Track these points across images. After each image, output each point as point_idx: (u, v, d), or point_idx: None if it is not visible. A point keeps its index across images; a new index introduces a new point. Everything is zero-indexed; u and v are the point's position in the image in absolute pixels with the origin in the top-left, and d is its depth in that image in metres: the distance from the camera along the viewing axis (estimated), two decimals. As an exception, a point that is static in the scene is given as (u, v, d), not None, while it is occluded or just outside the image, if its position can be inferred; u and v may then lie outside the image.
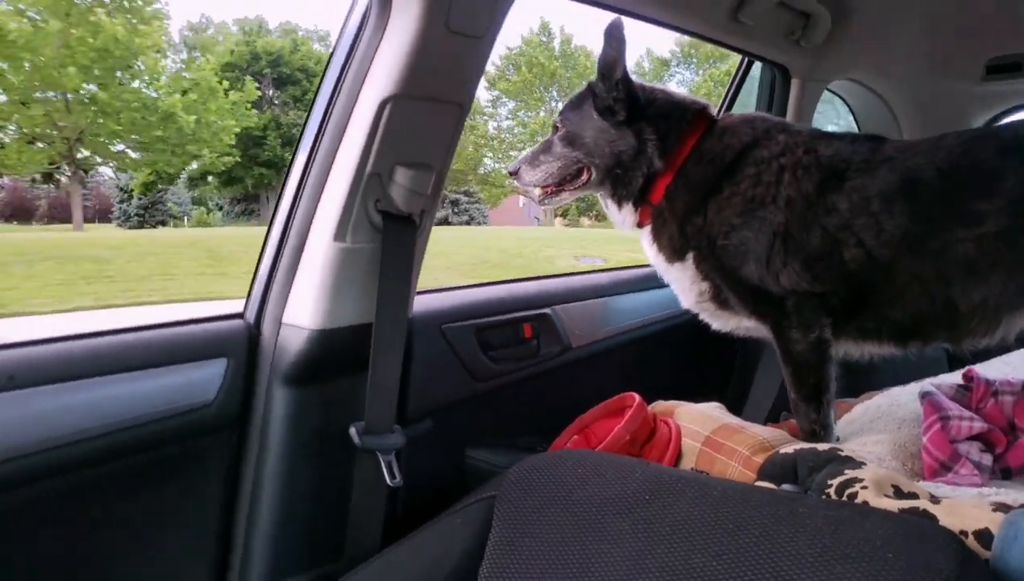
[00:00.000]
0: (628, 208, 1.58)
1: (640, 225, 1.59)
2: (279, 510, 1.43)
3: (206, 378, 1.36)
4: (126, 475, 1.28)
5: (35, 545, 1.21)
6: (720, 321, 1.60)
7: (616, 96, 1.52)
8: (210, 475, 1.41)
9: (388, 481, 1.40)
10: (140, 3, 16.60)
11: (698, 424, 1.44)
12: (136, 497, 1.31)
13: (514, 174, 1.61)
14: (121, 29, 15.22)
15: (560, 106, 1.65)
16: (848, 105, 2.91)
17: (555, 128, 1.59)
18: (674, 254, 1.54)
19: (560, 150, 1.57)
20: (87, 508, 1.26)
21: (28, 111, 15.19)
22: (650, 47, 28.19)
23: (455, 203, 27.45)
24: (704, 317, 1.62)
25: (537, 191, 1.62)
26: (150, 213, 24.11)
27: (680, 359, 2.28)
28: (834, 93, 2.80)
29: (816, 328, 1.42)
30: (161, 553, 1.36)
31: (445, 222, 26.76)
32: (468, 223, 27.12)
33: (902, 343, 1.47)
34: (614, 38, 1.50)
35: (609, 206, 1.61)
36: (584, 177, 1.57)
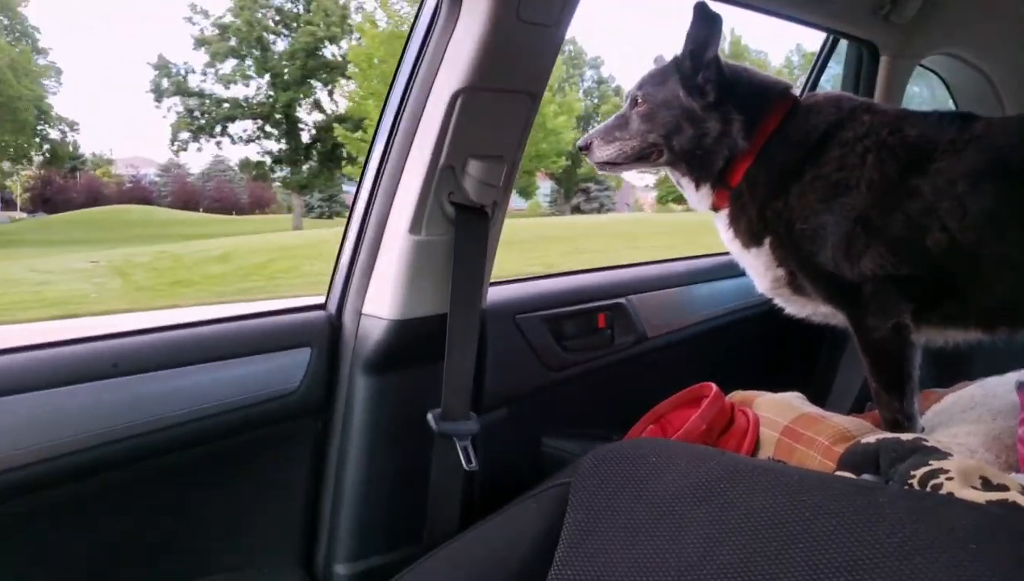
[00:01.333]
0: (705, 190, 1.52)
1: (716, 208, 1.54)
2: (361, 493, 1.49)
3: (291, 366, 1.42)
4: (219, 456, 1.36)
5: (134, 522, 1.30)
6: (795, 307, 1.56)
7: (707, 76, 1.46)
8: (295, 459, 1.48)
9: (464, 466, 1.43)
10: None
11: (777, 413, 1.41)
12: (228, 476, 1.39)
13: (585, 149, 1.55)
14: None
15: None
16: (944, 82, 2.75)
17: (634, 102, 1.52)
18: (751, 239, 1.50)
19: (638, 127, 1.50)
20: (183, 489, 1.34)
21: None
22: (800, 42, 28.04)
23: (586, 191, 27.75)
24: (779, 302, 1.58)
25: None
26: (328, 205, 26.44)
27: (760, 349, 2.23)
28: (928, 69, 2.66)
29: (895, 315, 1.36)
30: (251, 532, 1.43)
31: (577, 210, 27.06)
32: (599, 210, 27.36)
33: (989, 329, 1.40)
34: (707, 16, 1.45)
35: (684, 186, 1.56)
36: (655, 156, 1.52)
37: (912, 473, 1.00)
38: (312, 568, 1.51)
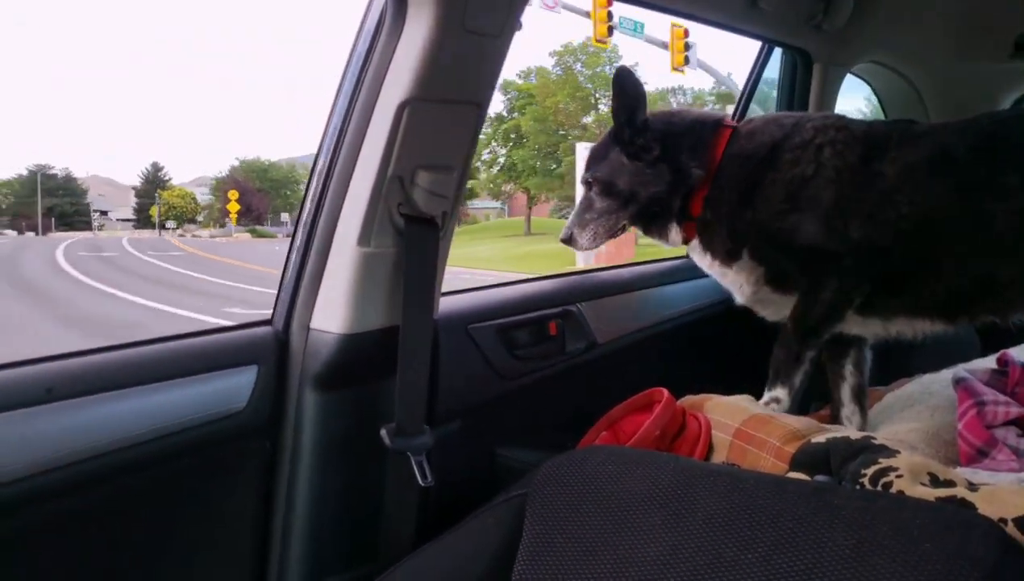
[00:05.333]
0: (673, 228, 1.60)
1: (686, 241, 1.61)
2: (314, 512, 1.45)
3: (238, 385, 1.38)
4: (163, 482, 1.30)
5: (76, 554, 1.23)
6: (773, 308, 1.61)
7: (647, 136, 1.54)
8: (245, 480, 1.43)
9: (420, 481, 1.41)
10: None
11: (728, 416, 1.43)
12: (173, 503, 1.33)
13: (568, 241, 1.64)
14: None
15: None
16: (873, 88, 2.86)
17: (588, 185, 1.61)
18: (729, 257, 1.55)
19: (601, 205, 1.59)
20: (127, 515, 1.28)
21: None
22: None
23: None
24: (758, 308, 1.63)
25: None
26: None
27: (708, 352, 2.26)
28: (858, 76, 2.76)
29: (849, 287, 1.43)
30: (199, 557, 1.38)
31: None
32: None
33: (951, 319, 1.47)
34: (629, 83, 1.53)
35: (652, 235, 1.64)
36: (623, 226, 1.63)
37: (863, 472, 1.03)
38: None
